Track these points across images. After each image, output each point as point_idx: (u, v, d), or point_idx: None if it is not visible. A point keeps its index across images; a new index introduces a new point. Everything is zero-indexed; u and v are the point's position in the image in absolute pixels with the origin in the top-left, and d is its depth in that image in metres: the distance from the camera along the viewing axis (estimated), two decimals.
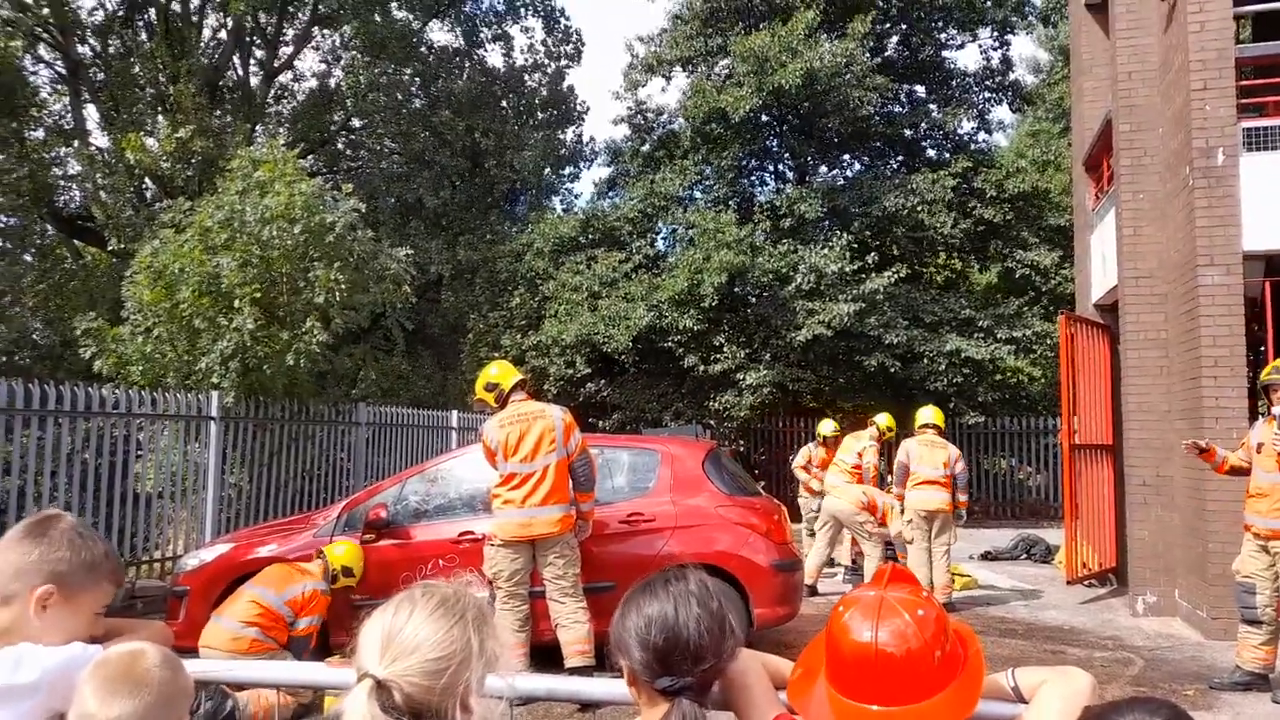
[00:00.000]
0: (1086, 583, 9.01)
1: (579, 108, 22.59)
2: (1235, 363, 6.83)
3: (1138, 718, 1.30)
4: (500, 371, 5.72)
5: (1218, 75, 7.00)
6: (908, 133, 19.14)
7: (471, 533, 5.84)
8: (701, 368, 15.59)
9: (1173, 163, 7.67)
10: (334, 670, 1.88)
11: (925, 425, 8.54)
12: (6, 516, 6.84)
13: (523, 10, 21.58)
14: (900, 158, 19.69)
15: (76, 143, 16.27)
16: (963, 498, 8.38)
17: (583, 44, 22.45)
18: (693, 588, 1.50)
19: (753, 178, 19.75)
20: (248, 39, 19.29)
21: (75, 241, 17.40)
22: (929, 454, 8.27)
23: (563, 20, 22.33)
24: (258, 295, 9.57)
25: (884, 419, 9.58)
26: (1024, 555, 11.38)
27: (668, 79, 19.88)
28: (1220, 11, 7.05)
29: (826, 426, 10.52)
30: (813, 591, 8.81)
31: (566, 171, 22.85)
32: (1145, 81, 8.18)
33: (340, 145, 20.92)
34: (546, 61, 22.23)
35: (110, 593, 1.67)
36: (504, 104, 21.07)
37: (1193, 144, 7.03)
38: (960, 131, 19.46)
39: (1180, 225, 7.40)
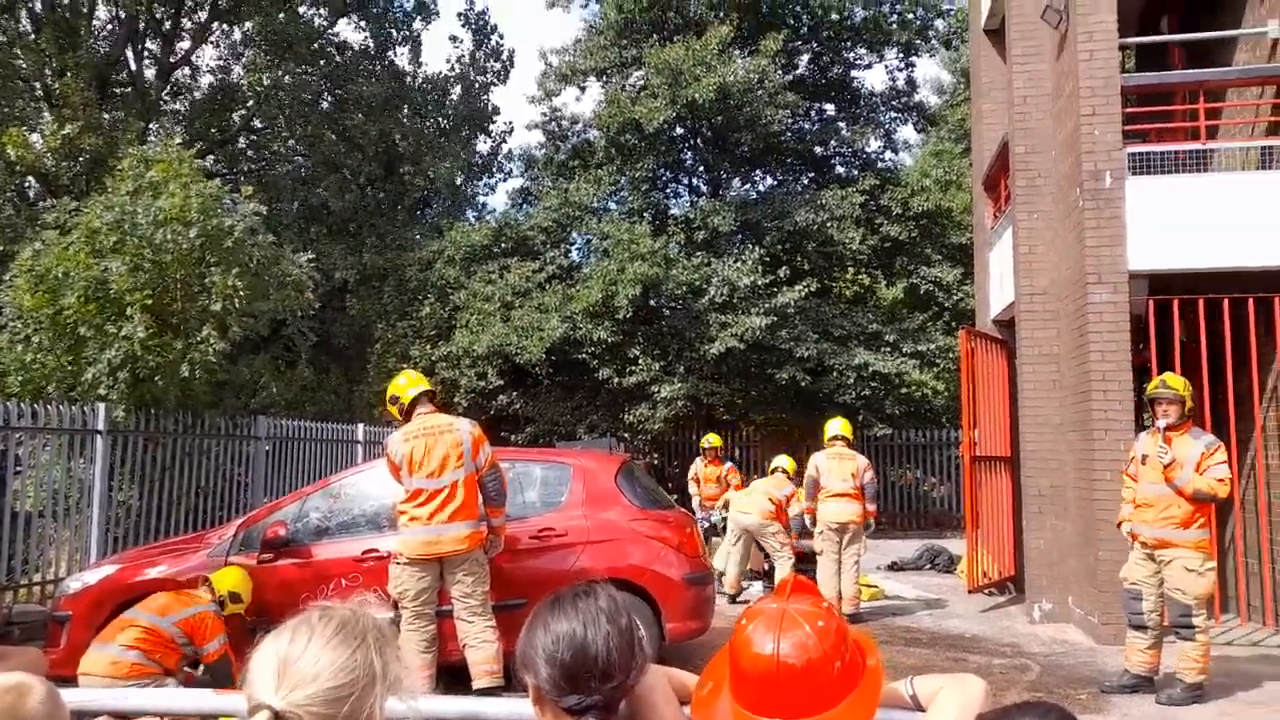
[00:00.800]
0: (987, 591, 9.35)
1: (503, 125, 22.54)
2: (1122, 377, 7.21)
3: None
4: (406, 382, 5.56)
5: (1105, 102, 7.41)
6: (818, 149, 19.63)
7: (376, 550, 5.71)
8: (616, 380, 15.64)
9: (1064, 184, 8.07)
10: (223, 697, 1.80)
11: (835, 438, 8.75)
12: None
13: (432, 10, 21.30)
14: (811, 174, 20.16)
15: None
16: (871, 508, 8.62)
17: (512, 64, 22.39)
18: (602, 604, 1.49)
19: (667, 190, 19.95)
20: (142, 31, 18.53)
21: None
22: (838, 466, 8.48)
23: (494, 38, 22.23)
24: (149, 301, 9.19)
25: (785, 461, 9.74)
26: (929, 565, 11.72)
27: (582, 89, 19.98)
28: (1107, 42, 7.47)
29: (709, 440, 11.29)
30: (734, 600, 9.02)
31: (482, 182, 22.68)
32: (1039, 106, 8.60)
33: (241, 145, 20.27)
34: (472, 75, 22.03)
35: None
36: (419, 110, 20.75)
37: (1082, 167, 7.42)
38: (868, 150, 20.08)
39: (1071, 245, 7.79)
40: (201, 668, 5.36)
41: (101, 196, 10.08)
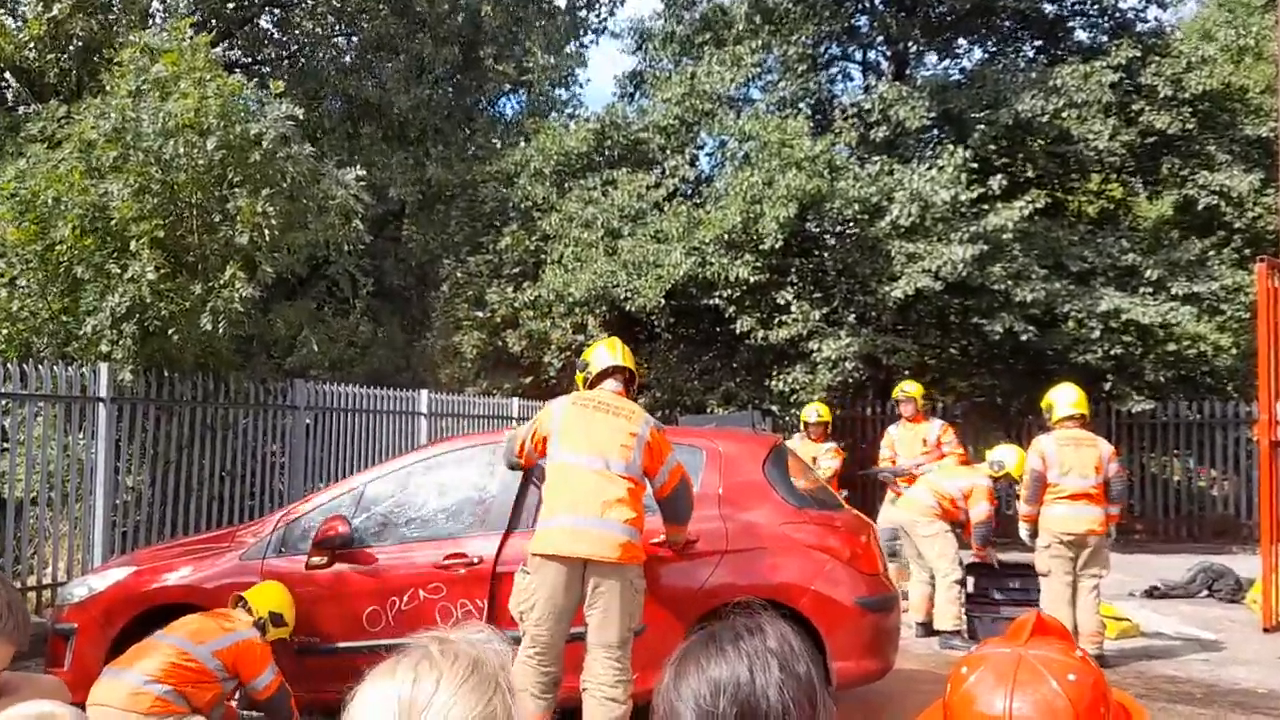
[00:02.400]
0: None
1: None
2: None
3: None
4: (605, 351, 5.90)
5: None
6: (1048, 7, 18.88)
7: (464, 555, 5.93)
8: (761, 334, 15.60)
9: None
10: None
11: (1068, 418, 8.50)
12: None
13: None
14: (1039, 43, 19.44)
15: None
16: (1115, 511, 8.40)
17: None
18: (772, 644, 1.49)
19: (833, 70, 19.61)
20: None
21: None
22: (1074, 455, 8.26)
23: None
24: (160, 234, 9.69)
25: (1009, 457, 9.52)
26: (1204, 591, 11.36)
27: None
28: None
29: (810, 412, 11.46)
30: (927, 631, 9.04)
31: (577, 45, 22.55)
32: None
33: (266, 25, 20.92)
34: None
35: (7, 655, 1.74)
36: None
37: None
38: (1123, 5, 19.16)
39: None
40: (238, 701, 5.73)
41: (97, 99, 10.62)
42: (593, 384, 5.73)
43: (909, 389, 11.54)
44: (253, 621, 5.54)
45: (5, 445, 8.73)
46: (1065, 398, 8.63)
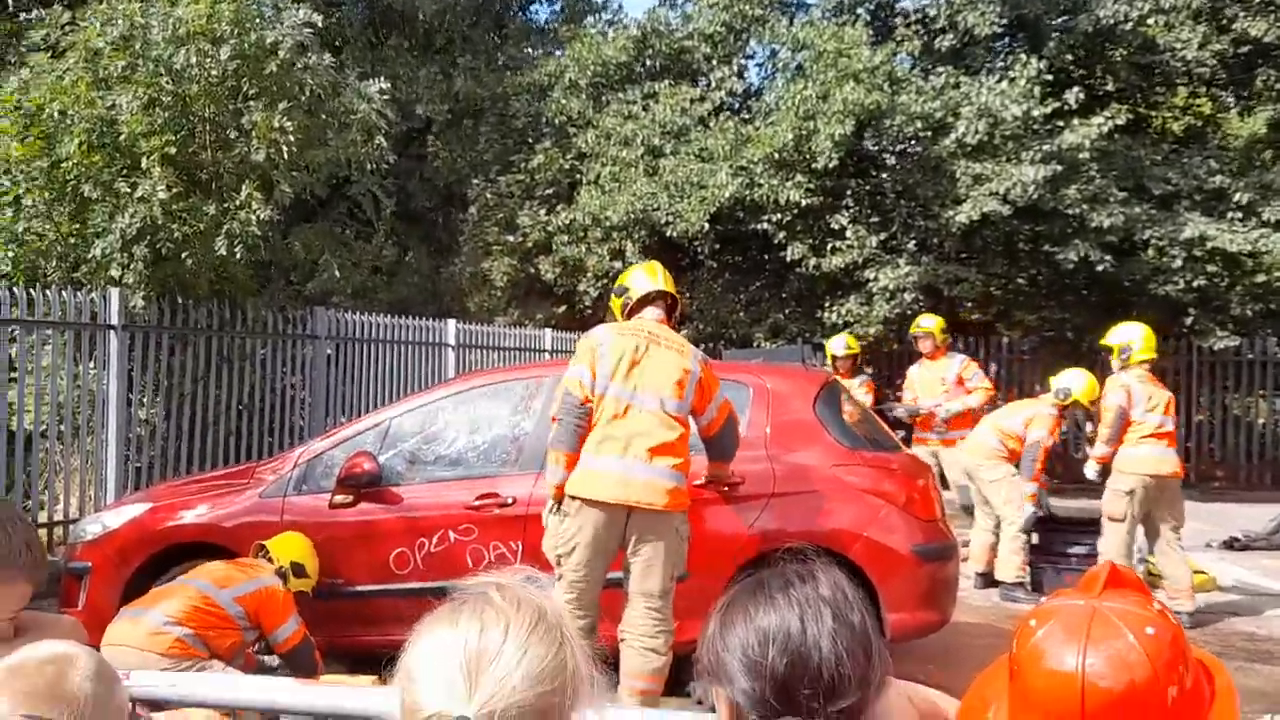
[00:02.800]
0: None
1: None
2: None
3: None
4: (643, 275, 5.71)
5: None
6: None
7: (496, 495, 6.01)
8: (812, 262, 15.53)
9: None
10: (340, 693, 1.99)
11: (1147, 361, 8.55)
12: None
13: None
14: None
15: None
16: None
17: None
18: (825, 592, 1.50)
19: None
20: None
21: None
22: (1158, 394, 8.28)
23: None
24: (171, 150, 9.73)
25: (1078, 383, 9.33)
26: None
27: None
28: None
29: (838, 344, 10.88)
30: (987, 582, 9.14)
31: None
32: None
33: None
34: None
35: (25, 594, 1.80)
36: None
37: None
38: None
39: None
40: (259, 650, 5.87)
41: (103, 4, 10.61)
42: (631, 312, 5.59)
43: (925, 324, 11.15)
44: (274, 570, 5.68)
45: (13, 375, 8.81)
46: (1146, 338, 8.61)
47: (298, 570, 5.74)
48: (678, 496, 5.16)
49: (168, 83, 9.79)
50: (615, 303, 5.75)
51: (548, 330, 15.76)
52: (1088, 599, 1.47)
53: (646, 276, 5.67)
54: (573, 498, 5.15)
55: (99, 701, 1.55)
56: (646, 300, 5.59)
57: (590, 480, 5.10)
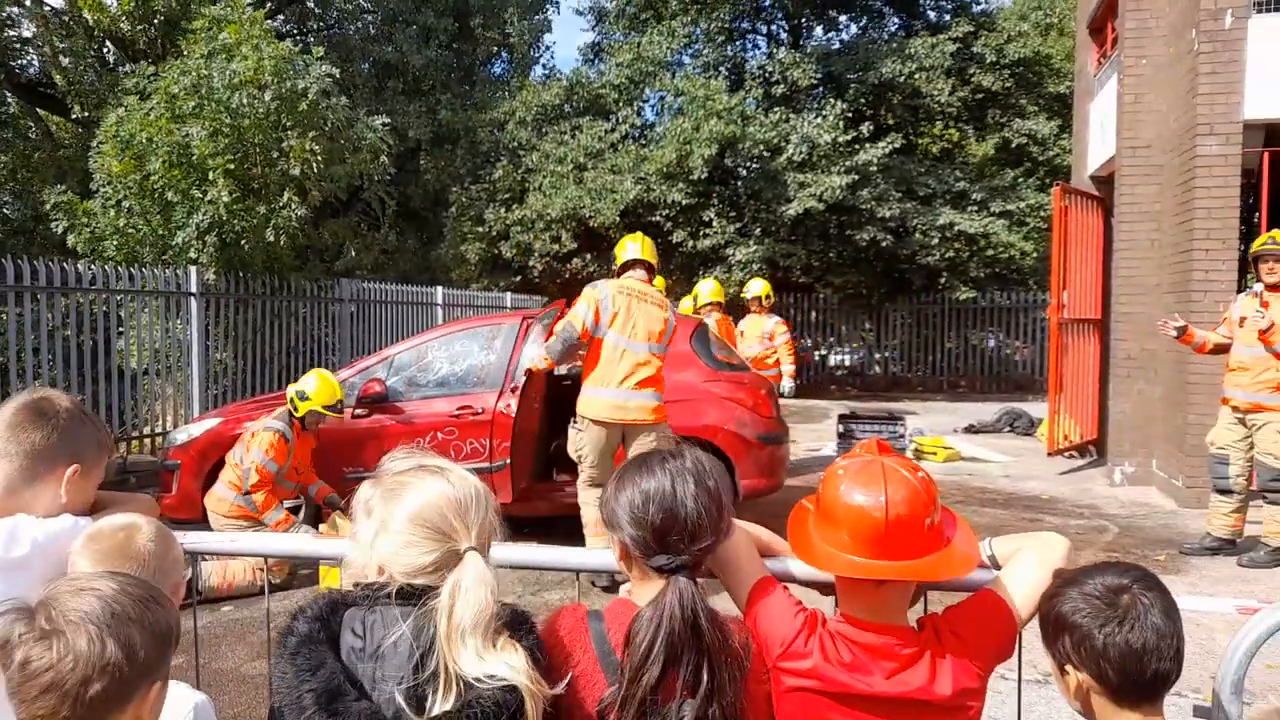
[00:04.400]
0: (1067, 455, 9.29)
1: None
2: (1227, 235, 6.85)
3: (1109, 579, 1.35)
4: (635, 245, 5.35)
5: None
6: None
7: (470, 407, 5.92)
8: (690, 243, 15.50)
9: (1179, 26, 7.45)
10: (332, 543, 1.94)
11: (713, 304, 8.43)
12: None
13: None
14: (899, 20, 19.08)
15: (29, 2, 15.49)
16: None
17: None
18: (689, 465, 1.47)
19: (745, 41, 19.12)
20: None
21: (38, 110, 16.80)
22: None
23: None
24: (231, 166, 9.37)
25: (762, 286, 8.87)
26: (1008, 429, 11.66)
27: None
28: None
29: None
30: None
31: (536, 18, 21.89)
32: None
33: (310, 3, 19.98)
34: None
35: (100, 473, 1.71)
36: None
37: (1200, 5, 6.82)
38: None
39: (1182, 93, 7.26)
40: (302, 513, 5.74)
41: (177, 61, 10.15)
42: (620, 271, 5.34)
43: (755, 288, 9.10)
44: (287, 408, 5.45)
45: (122, 330, 8.56)
46: (707, 287, 8.56)
47: (301, 395, 5.45)
48: (660, 411, 5.09)
49: (227, 118, 9.41)
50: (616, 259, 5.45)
51: (508, 294, 15.57)
52: (875, 457, 1.48)
53: (634, 246, 5.37)
54: (583, 417, 5.03)
55: (159, 557, 1.48)
56: (630, 264, 5.31)
57: (595, 405, 4.98)
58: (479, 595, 1.23)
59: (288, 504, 5.50)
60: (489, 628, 1.23)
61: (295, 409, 5.43)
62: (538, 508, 6.07)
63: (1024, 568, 1.50)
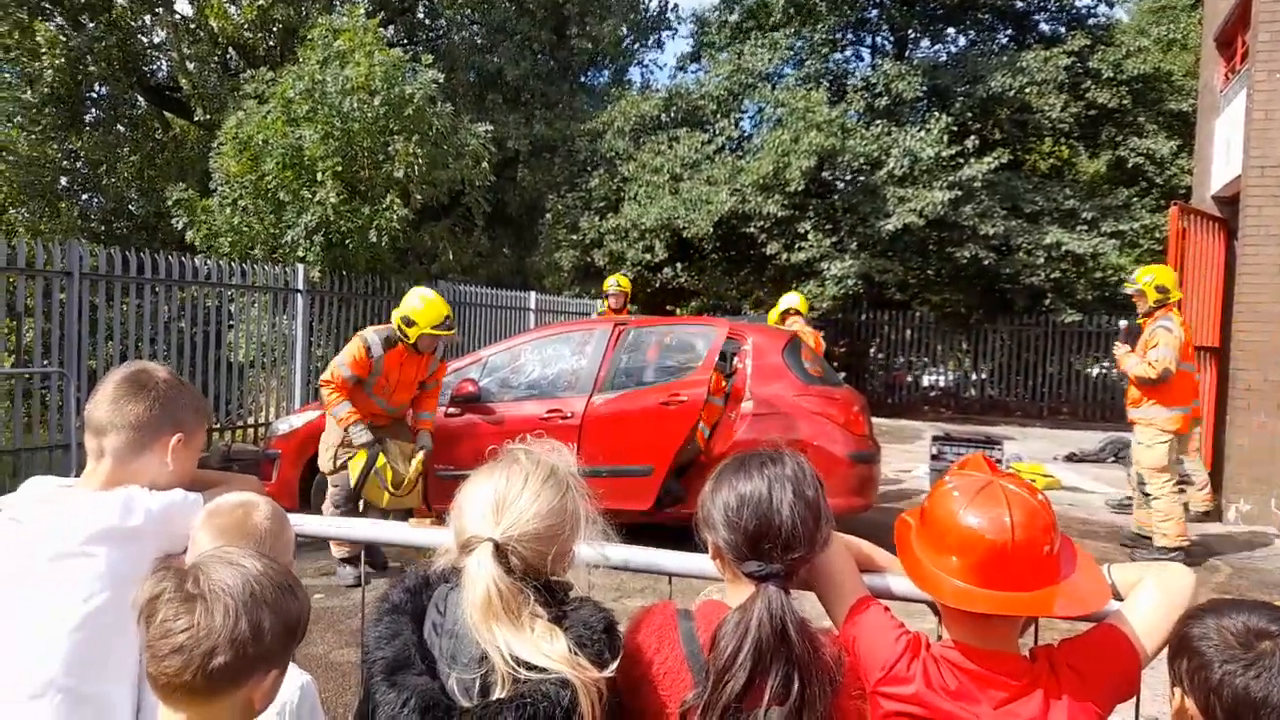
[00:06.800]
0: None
1: None
2: None
3: (1255, 620, 1.25)
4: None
5: None
6: (1019, 4, 17.95)
7: (560, 410, 5.98)
8: (784, 256, 15.35)
9: None
10: (424, 532, 1.97)
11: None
12: None
13: None
14: (1010, 32, 18.54)
15: (160, 10, 16.42)
16: None
17: None
18: (788, 471, 1.44)
19: (848, 52, 18.90)
20: None
21: (164, 112, 17.78)
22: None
23: None
24: (339, 169, 9.71)
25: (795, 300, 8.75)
26: (1112, 459, 11.17)
27: None
28: None
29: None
30: None
31: (650, 40, 22.11)
32: None
33: (420, 15, 20.62)
34: None
35: (203, 438, 1.77)
36: None
37: None
38: (1078, 4, 18.13)
39: None
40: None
41: (294, 67, 10.58)
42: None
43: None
44: (393, 328, 5.27)
45: (232, 323, 8.92)
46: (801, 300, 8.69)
47: (407, 321, 5.15)
48: None
49: (338, 122, 9.76)
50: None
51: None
52: (987, 475, 1.41)
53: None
54: None
55: (274, 535, 1.54)
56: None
57: None
58: (473, 589, 1.24)
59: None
60: (502, 616, 1.23)
61: (405, 335, 5.16)
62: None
63: (1148, 601, 1.41)
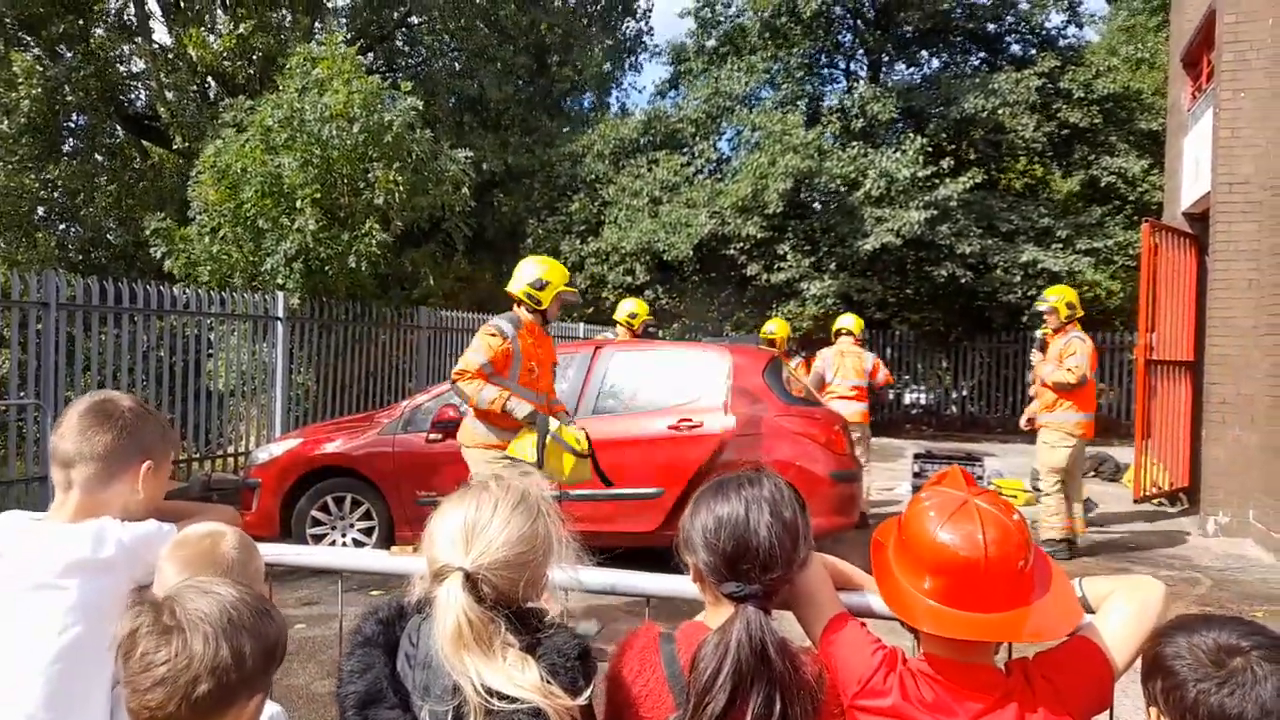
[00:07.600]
0: (1156, 502, 8.89)
1: (645, 2, 21.94)
2: None
3: (1225, 636, 1.26)
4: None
5: None
6: (991, 26, 18.22)
7: None
8: (764, 277, 15.44)
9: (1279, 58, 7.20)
10: (402, 560, 1.96)
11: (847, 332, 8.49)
12: None
13: None
14: (982, 54, 18.82)
15: (139, 39, 16.40)
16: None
17: None
18: (766, 493, 1.44)
19: (823, 75, 19.10)
20: None
21: (142, 141, 17.72)
22: (846, 364, 8.27)
23: None
24: (318, 196, 9.70)
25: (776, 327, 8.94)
26: (1092, 473, 11.22)
27: None
28: None
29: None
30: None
31: (627, 64, 22.29)
32: None
33: (399, 43, 20.71)
34: None
35: (171, 458, 1.76)
36: None
37: None
38: (1048, 25, 18.42)
39: None
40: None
41: (273, 95, 10.58)
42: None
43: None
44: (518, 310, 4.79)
45: (211, 352, 8.88)
46: (855, 320, 8.71)
47: (536, 285, 4.68)
48: None
49: (317, 149, 9.75)
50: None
51: (581, 324, 15.70)
52: (962, 492, 1.43)
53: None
54: None
55: (242, 564, 1.53)
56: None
57: None
58: (444, 619, 1.23)
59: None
60: (473, 646, 1.22)
61: (538, 301, 4.67)
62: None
63: (1120, 614, 1.42)
